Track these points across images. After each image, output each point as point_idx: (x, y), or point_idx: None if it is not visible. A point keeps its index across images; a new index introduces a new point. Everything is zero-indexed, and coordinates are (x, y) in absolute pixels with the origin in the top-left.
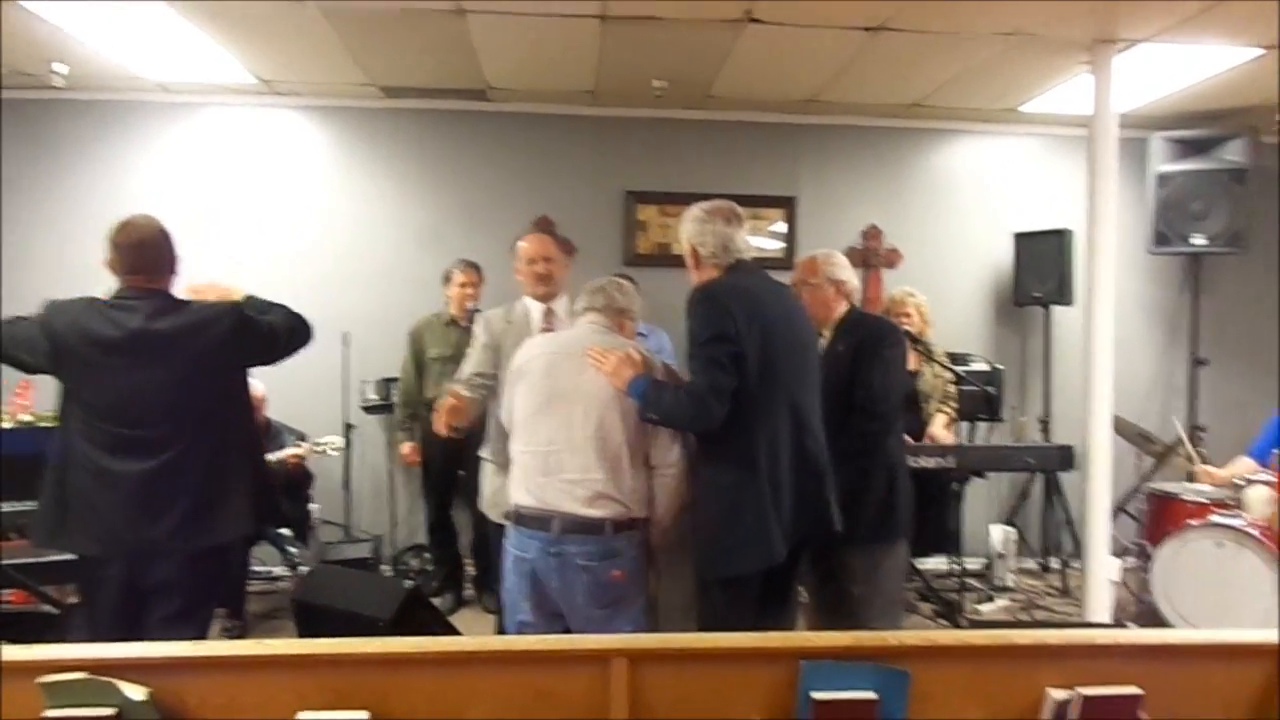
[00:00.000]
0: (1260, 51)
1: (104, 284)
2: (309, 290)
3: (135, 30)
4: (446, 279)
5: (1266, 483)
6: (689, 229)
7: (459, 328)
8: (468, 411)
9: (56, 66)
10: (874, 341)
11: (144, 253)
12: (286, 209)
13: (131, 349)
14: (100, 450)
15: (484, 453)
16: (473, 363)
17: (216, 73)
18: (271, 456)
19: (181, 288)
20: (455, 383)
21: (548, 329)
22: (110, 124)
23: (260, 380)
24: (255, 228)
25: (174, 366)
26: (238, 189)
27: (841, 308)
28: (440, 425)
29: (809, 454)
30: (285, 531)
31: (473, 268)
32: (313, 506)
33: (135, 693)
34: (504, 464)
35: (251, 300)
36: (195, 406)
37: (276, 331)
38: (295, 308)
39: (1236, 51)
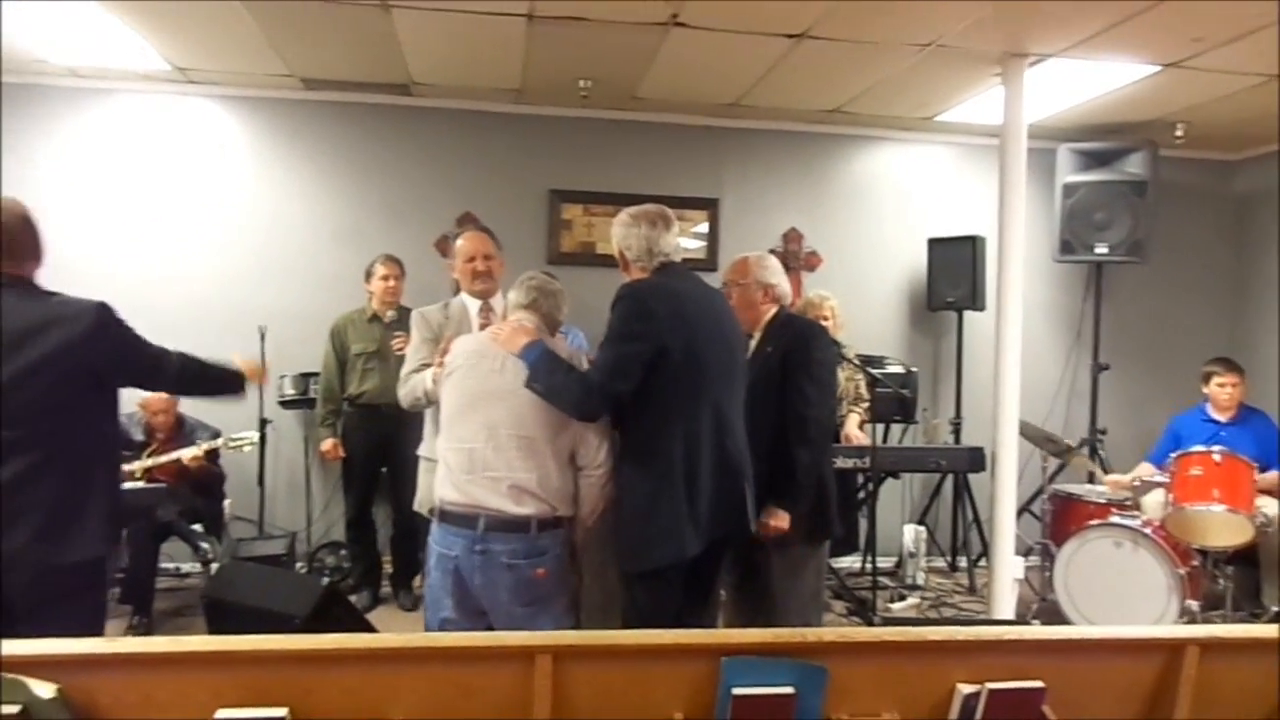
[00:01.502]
0: (1158, 68)
1: None
2: (225, 283)
3: (43, 12)
4: (368, 274)
5: (1162, 485)
6: (616, 233)
7: (381, 323)
8: None
9: None
10: (803, 344)
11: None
12: (202, 201)
13: None
14: None
15: (422, 451)
16: (416, 356)
17: (129, 59)
18: (171, 456)
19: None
20: (406, 378)
21: (485, 324)
22: (15, 109)
23: None
24: (169, 220)
25: (23, 363)
26: (150, 179)
27: (770, 311)
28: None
29: (729, 454)
30: (197, 527)
31: (394, 262)
32: (225, 503)
33: (43, 690)
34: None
35: None
36: (50, 412)
37: (163, 359)
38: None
39: (1139, 68)
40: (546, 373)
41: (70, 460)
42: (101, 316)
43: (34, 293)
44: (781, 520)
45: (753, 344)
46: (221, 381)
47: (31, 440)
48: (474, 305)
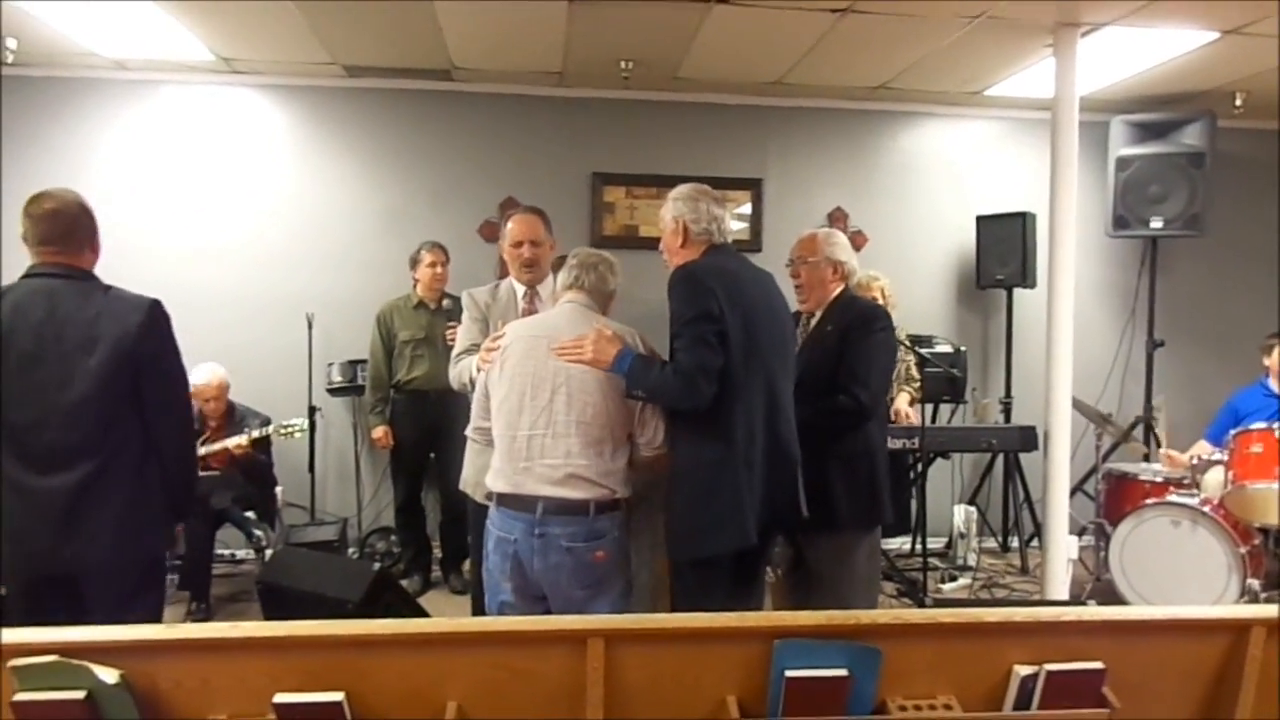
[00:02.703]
0: (1217, 35)
1: None
2: (272, 272)
3: (90, 5)
4: (414, 261)
5: (1221, 463)
6: (679, 206)
7: (428, 310)
8: None
9: (7, 41)
10: (863, 323)
11: (57, 223)
12: (248, 190)
13: (49, 335)
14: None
15: (468, 431)
16: (466, 337)
17: (174, 50)
18: (216, 446)
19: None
20: (456, 360)
21: (529, 310)
22: (64, 102)
23: (221, 365)
24: (216, 209)
25: (83, 356)
26: (197, 170)
27: (836, 289)
28: None
29: (782, 438)
30: (250, 514)
31: (440, 249)
32: (277, 490)
33: (107, 675)
34: (488, 443)
35: None
36: (110, 407)
37: (187, 393)
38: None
39: (1196, 35)
40: (643, 375)
41: (133, 458)
42: (154, 312)
43: (91, 285)
44: None
45: (813, 322)
46: (188, 488)
47: (100, 439)
48: (520, 289)
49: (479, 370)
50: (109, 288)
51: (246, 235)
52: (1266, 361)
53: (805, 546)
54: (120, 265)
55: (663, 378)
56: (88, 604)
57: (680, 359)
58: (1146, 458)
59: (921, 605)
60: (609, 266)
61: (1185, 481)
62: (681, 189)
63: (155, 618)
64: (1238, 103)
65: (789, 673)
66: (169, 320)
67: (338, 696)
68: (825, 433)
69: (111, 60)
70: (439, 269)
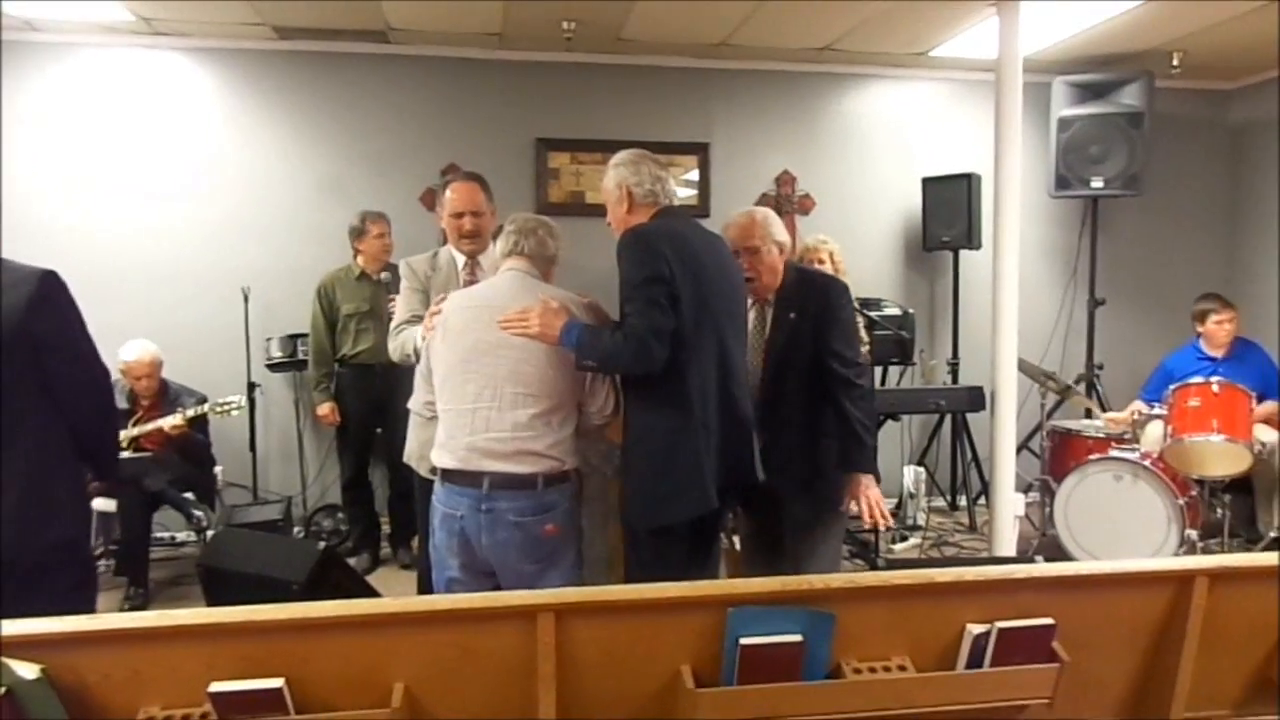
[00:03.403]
0: None
1: None
2: (204, 244)
3: None
4: (358, 232)
5: (1160, 417)
6: (621, 172)
7: (370, 281)
8: None
9: None
10: (829, 304)
11: None
12: (176, 160)
13: None
14: None
15: (411, 404)
16: (406, 307)
17: (91, 10)
18: (149, 426)
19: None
20: (396, 331)
21: (470, 280)
22: None
23: (153, 341)
24: (142, 180)
25: None
26: (120, 138)
27: (781, 269)
28: None
29: (736, 401)
30: (188, 495)
31: (384, 219)
32: (217, 469)
33: (27, 670)
34: (432, 416)
35: None
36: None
37: (100, 366)
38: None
39: None
40: (592, 345)
41: (33, 439)
42: (46, 284)
43: None
44: (874, 489)
45: (769, 309)
46: (111, 454)
47: None
48: (461, 259)
49: (423, 340)
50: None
51: (176, 206)
52: (1200, 328)
53: (780, 518)
54: (39, 240)
55: (613, 344)
56: None
57: (631, 322)
58: (1089, 414)
59: (874, 566)
60: (548, 230)
61: (1126, 437)
62: (621, 154)
63: (73, 606)
64: (1175, 63)
65: (743, 640)
66: (66, 292)
67: (277, 683)
68: (834, 406)
69: (21, 20)
70: (387, 239)
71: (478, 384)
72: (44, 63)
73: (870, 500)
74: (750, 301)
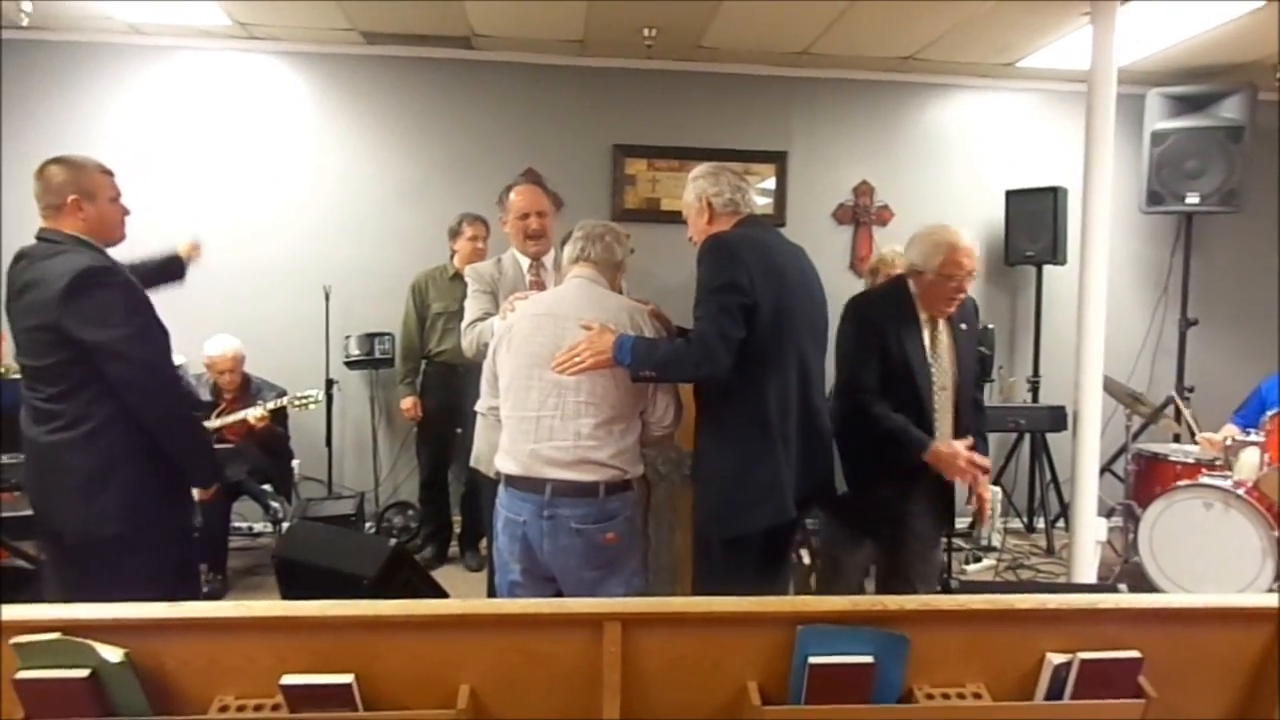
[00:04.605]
0: (1260, 4)
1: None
2: (288, 243)
3: None
4: (454, 233)
5: (1256, 444)
6: (700, 185)
7: (462, 282)
8: None
9: (23, 5)
10: (975, 318)
11: (37, 186)
12: (263, 159)
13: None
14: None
15: (479, 407)
16: (477, 306)
17: (190, 14)
18: (232, 418)
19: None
20: (467, 330)
21: (536, 283)
22: (79, 66)
23: (237, 337)
24: (231, 178)
25: (21, 321)
26: (212, 137)
27: None
28: None
29: (815, 411)
30: (266, 487)
31: (481, 222)
32: (295, 463)
33: (111, 654)
34: (498, 420)
35: None
36: (56, 376)
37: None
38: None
39: (1238, 4)
40: (647, 355)
41: (94, 432)
42: (76, 282)
43: (49, 249)
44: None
45: (942, 324)
46: (190, 459)
47: (56, 403)
48: (525, 261)
49: (503, 318)
50: (62, 252)
51: (263, 206)
52: None
53: (899, 544)
54: (131, 236)
55: (672, 351)
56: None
57: (699, 326)
58: (1177, 438)
59: (947, 587)
60: (615, 236)
61: (1218, 463)
62: (699, 168)
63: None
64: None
65: (813, 659)
66: (99, 289)
67: (347, 678)
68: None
69: (127, 25)
70: (480, 243)
71: (541, 392)
72: (145, 65)
73: (985, 497)
74: (924, 318)
